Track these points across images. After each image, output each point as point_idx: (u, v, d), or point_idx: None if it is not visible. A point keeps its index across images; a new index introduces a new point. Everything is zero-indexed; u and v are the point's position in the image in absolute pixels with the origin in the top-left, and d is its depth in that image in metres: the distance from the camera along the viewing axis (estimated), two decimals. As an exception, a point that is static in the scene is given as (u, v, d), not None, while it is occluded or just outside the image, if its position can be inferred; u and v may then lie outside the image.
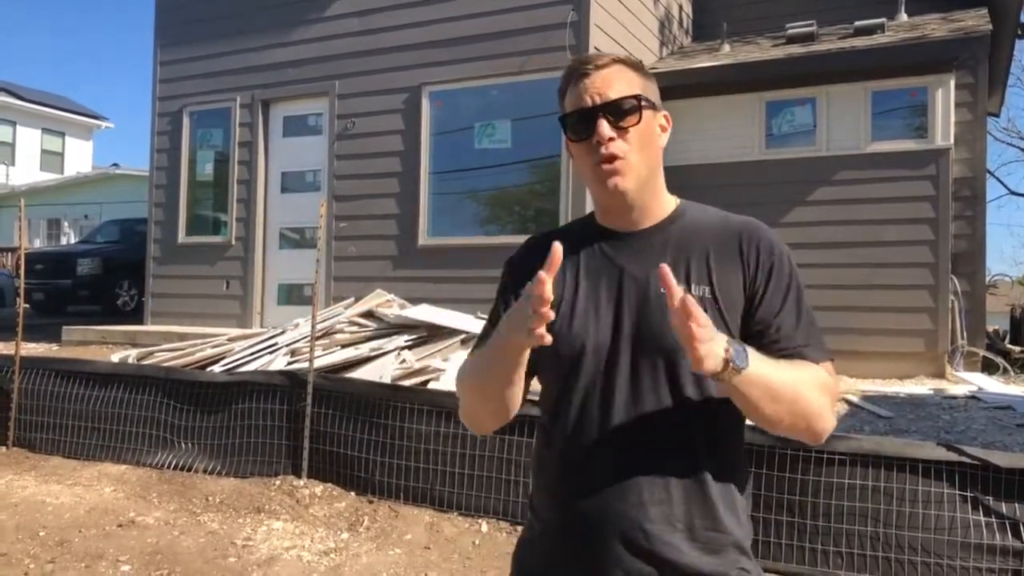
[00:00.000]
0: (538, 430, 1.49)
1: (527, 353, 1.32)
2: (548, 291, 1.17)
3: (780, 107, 8.09)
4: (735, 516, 1.37)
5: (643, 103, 1.39)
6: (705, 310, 1.31)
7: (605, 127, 1.36)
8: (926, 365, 7.35)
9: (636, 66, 1.44)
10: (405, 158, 8.41)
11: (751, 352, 1.23)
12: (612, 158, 1.37)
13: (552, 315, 1.18)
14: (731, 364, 1.19)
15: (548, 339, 1.19)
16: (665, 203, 1.46)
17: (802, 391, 1.29)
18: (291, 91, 9.15)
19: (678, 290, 1.16)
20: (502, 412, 1.44)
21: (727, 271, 1.38)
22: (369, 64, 8.61)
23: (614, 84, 1.39)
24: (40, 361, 6.35)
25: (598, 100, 1.38)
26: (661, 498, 1.32)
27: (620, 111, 1.38)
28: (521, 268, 1.48)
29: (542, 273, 1.18)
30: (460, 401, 1.52)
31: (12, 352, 6.19)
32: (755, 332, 1.36)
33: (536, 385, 1.49)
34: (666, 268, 1.18)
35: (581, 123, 1.39)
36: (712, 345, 1.16)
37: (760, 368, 1.23)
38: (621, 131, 1.38)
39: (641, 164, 1.39)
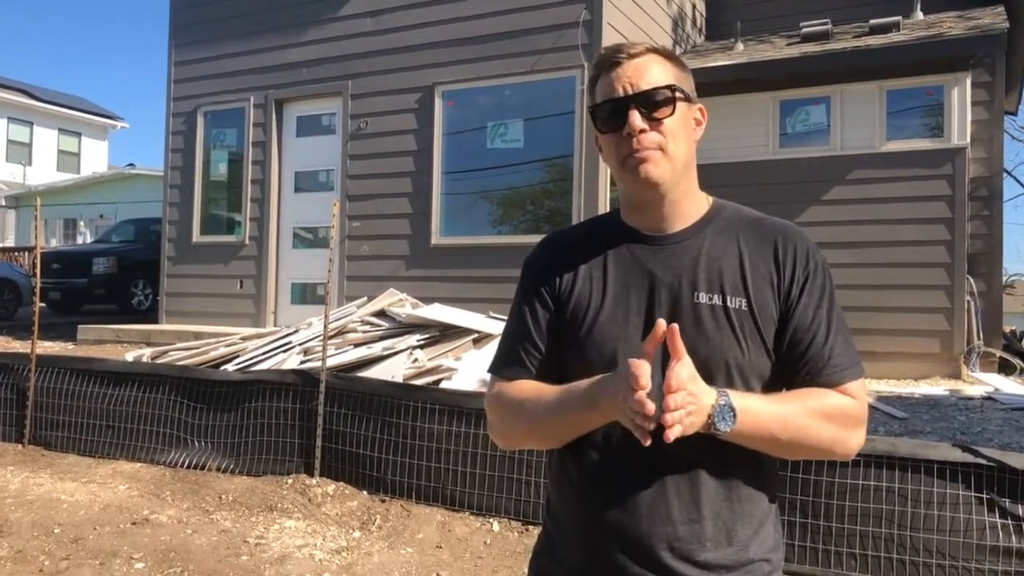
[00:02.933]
0: None
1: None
2: (646, 379, 1.13)
3: (794, 106, 8.05)
4: (766, 533, 1.34)
5: (677, 94, 1.33)
6: (742, 323, 1.30)
7: (637, 118, 1.30)
8: (942, 366, 7.29)
9: (671, 56, 1.38)
10: (418, 158, 8.42)
11: (743, 408, 1.21)
12: (643, 149, 1.31)
13: (652, 408, 1.13)
14: (713, 427, 1.19)
15: (651, 426, 1.14)
16: (698, 203, 1.41)
17: (808, 430, 1.27)
18: (304, 91, 9.18)
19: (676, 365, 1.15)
20: (549, 446, 1.43)
21: (763, 281, 1.33)
22: (382, 64, 8.63)
23: (647, 74, 1.32)
24: (56, 360, 6.39)
25: (630, 90, 1.32)
26: (691, 516, 1.28)
27: (653, 102, 1.32)
28: (539, 267, 1.45)
29: (636, 364, 1.14)
30: (498, 423, 1.46)
31: (28, 350, 6.25)
32: (785, 350, 1.33)
33: None
34: (675, 329, 1.16)
35: (612, 114, 1.33)
36: (688, 417, 1.15)
37: (749, 424, 1.22)
38: (654, 123, 1.31)
39: (674, 157, 1.33)
